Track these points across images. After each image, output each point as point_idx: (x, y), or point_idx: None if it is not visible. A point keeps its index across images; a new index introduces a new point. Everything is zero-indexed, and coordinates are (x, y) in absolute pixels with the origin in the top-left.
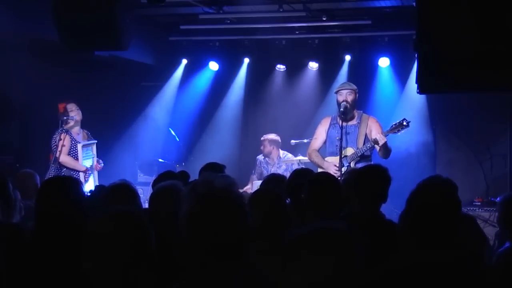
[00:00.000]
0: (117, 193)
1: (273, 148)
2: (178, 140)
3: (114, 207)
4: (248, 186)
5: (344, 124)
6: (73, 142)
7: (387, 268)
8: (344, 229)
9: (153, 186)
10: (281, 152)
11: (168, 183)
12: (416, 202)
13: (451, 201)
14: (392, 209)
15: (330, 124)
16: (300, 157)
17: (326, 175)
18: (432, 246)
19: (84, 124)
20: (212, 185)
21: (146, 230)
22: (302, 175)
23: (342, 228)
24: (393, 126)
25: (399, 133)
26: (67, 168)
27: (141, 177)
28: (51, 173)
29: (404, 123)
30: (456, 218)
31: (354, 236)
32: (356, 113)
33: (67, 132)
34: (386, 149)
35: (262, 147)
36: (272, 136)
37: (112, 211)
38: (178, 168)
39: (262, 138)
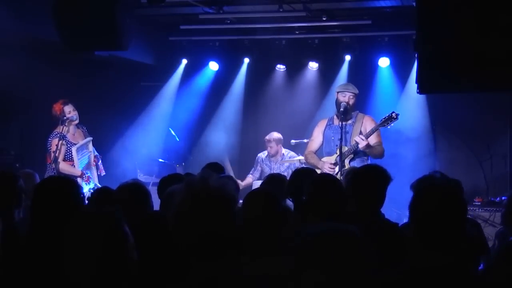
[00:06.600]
0: (126, 192)
1: (279, 147)
2: (178, 140)
3: (91, 208)
4: (242, 184)
5: (343, 123)
6: (68, 146)
7: (393, 271)
8: (357, 231)
9: (160, 188)
10: (284, 150)
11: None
12: (421, 205)
13: (458, 204)
14: (392, 209)
15: (326, 125)
16: (300, 157)
17: (328, 176)
18: (437, 250)
19: (84, 124)
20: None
21: (117, 233)
22: (304, 174)
23: (354, 231)
24: (383, 119)
25: (389, 126)
26: (64, 174)
27: (141, 177)
28: (48, 175)
29: (394, 116)
30: (462, 221)
31: (366, 240)
32: (352, 113)
33: (63, 137)
34: (371, 150)
35: (268, 148)
36: (277, 135)
37: (87, 211)
38: (178, 168)
39: (267, 138)
